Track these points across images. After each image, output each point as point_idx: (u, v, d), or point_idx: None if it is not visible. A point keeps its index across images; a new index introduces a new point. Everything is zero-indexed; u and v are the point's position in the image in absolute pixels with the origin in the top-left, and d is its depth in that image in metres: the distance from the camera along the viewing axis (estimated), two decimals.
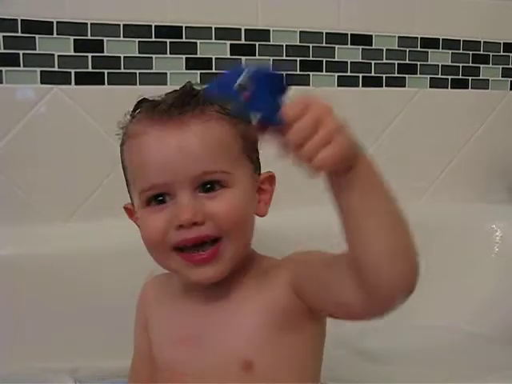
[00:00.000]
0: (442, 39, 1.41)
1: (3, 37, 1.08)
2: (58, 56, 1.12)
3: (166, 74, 1.18)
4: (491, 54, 1.46)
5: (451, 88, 1.43)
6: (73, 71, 1.13)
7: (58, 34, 1.11)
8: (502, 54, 1.47)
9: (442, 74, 1.42)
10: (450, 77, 1.42)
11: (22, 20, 1.09)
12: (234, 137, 0.72)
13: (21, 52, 1.10)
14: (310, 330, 0.74)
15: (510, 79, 1.49)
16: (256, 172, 0.76)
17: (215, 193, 0.70)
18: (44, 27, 1.10)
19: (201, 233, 0.69)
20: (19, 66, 1.10)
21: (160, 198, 0.71)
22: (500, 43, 1.47)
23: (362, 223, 0.59)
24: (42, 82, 1.11)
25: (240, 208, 0.71)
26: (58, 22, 1.11)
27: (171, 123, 0.70)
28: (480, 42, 1.44)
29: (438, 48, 1.41)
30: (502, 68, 1.48)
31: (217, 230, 0.70)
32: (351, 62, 1.33)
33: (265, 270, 0.75)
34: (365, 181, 0.60)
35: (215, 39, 1.21)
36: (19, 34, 1.09)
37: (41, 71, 1.11)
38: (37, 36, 1.10)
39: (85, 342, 1.06)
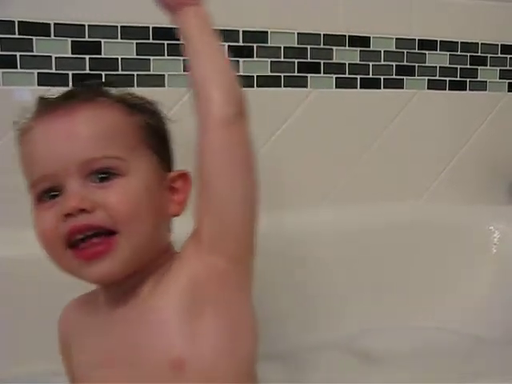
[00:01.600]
0: (440, 41, 1.41)
1: (0, 38, 1.08)
2: (56, 58, 1.12)
3: (163, 75, 1.18)
4: (489, 55, 1.46)
5: (449, 89, 1.43)
6: (70, 73, 1.13)
7: (55, 36, 1.11)
8: (499, 55, 1.47)
9: (439, 76, 1.42)
10: (447, 78, 1.42)
11: (19, 22, 1.09)
12: (130, 125, 0.70)
13: (18, 54, 1.09)
14: (234, 298, 0.70)
15: (507, 81, 1.49)
16: (164, 169, 0.73)
17: (108, 182, 0.66)
18: (41, 29, 1.10)
19: (90, 221, 0.65)
20: (16, 67, 1.09)
21: (51, 193, 0.67)
22: (498, 45, 1.46)
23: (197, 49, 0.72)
24: (39, 84, 1.11)
25: (135, 198, 0.67)
26: (55, 24, 1.11)
27: (59, 111, 0.67)
28: (478, 43, 1.44)
29: (436, 50, 1.41)
30: (500, 70, 1.48)
31: (110, 221, 0.65)
32: (349, 64, 1.32)
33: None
34: (199, 21, 0.76)
35: None
36: (16, 36, 1.09)
37: (38, 73, 1.11)
38: (34, 38, 1.10)
39: None
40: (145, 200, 0.68)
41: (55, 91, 1.07)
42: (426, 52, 1.40)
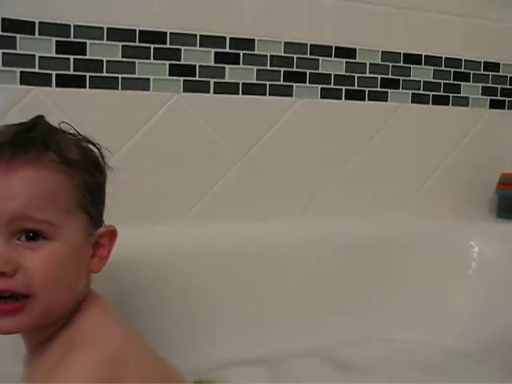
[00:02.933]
0: (425, 55, 1.42)
1: None
2: (39, 57, 1.10)
3: (148, 79, 1.17)
4: (472, 72, 1.47)
5: (432, 104, 1.44)
6: (54, 73, 1.11)
7: (39, 35, 1.09)
8: (482, 72, 1.49)
9: (423, 90, 1.42)
10: (431, 93, 1.43)
11: (2, 18, 1.06)
12: (67, 188, 0.69)
13: (0, 51, 1.07)
14: None
15: (489, 97, 1.50)
16: (93, 225, 0.73)
17: (36, 243, 0.66)
18: (26, 27, 1.08)
19: (8, 286, 0.65)
20: None
21: None
22: (481, 62, 1.48)
23: None
24: (21, 83, 1.09)
25: (58, 264, 0.67)
26: (40, 23, 1.09)
27: (4, 165, 0.66)
28: (461, 59, 1.46)
29: (421, 64, 1.42)
30: (482, 86, 1.49)
31: (27, 286, 0.65)
32: (335, 75, 1.33)
33: (73, 342, 0.69)
34: None
35: (199, 46, 1.20)
36: (0, 33, 1.07)
37: (21, 72, 1.09)
38: (18, 35, 1.08)
39: None
40: (67, 266, 0.68)
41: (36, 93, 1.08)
42: (411, 66, 1.41)
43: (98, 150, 0.76)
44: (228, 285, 1.16)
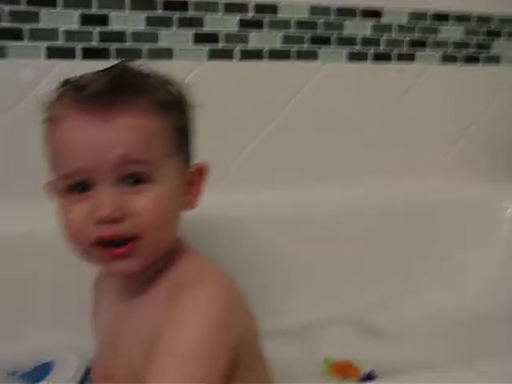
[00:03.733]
0: (452, 14, 1.38)
1: (8, 11, 1.06)
2: (63, 30, 1.10)
3: (172, 48, 1.16)
4: (504, 29, 1.43)
5: (462, 64, 1.40)
6: (78, 46, 1.11)
7: (63, 7, 1.09)
8: None
9: (454, 49, 1.39)
10: (460, 52, 1.40)
11: None
12: (164, 130, 0.70)
13: (25, 26, 1.08)
14: (244, 377, 0.72)
15: None
16: (186, 164, 0.74)
17: (139, 187, 0.67)
18: (48, 0, 1.08)
19: (118, 231, 0.67)
20: (23, 40, 1.08)
21: (81, 187, 0.68)
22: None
23: None
24: (47, 57, 1.10)
25: (164, 205, 0.69)
26: None
27: (99, 112, 0.66)
28: (492, 16, 1.41)
29: (449, 23, 1.38)
30: None
31: (136, 229, 0.67)
32: (361, 37, 1.30)
33: (180, 283, 0.70)
34: None
35: (223, 13, 1.19)
36: (23, 8, 1.07)
37: (46, 46, 1.09)
38: (41, 9, 1.08)
39: None
40: (170, 205, 0.70)
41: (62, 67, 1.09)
42: (440, 25, 1.37)
43: (182, 90, 0.75)
44: (267, 250, 1.17)
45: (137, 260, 0.69)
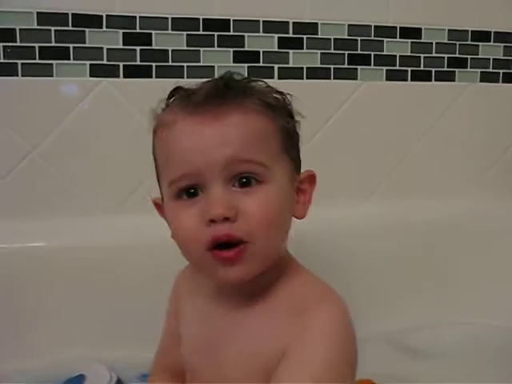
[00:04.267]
0: (494, 32, 1.37)
1: (54, 31, 1.09)
2: (107, 49, 1.13)
3: (213, 66, 1.18)
4: None
5: (502, 82, 1.39)
6: (121, 64, 1.14)
7: (107, 28, 1.12)
8: None
9: (493, 68, 1.38)
10: (501, 71, 1.39)
11: (72, 14, 1.10)
12: (273, 131, 0.69)
13: (71, 45, 1.11)
14: None
15: None
16: (295, 171, 0.72)
17: (251, 188, 0.66)
18: (94, 21, 1.11)
19: (231, 231, 0.64)
20: (69, 59, 1.11)
21: (191, 191, 0.67)
22: None
23: None
24: (91, 75, 1.12)
25: (275, 207, 0.66)
26: (107, 16, 1.12)
27: (208, 113, 0.66)
28: None
29: (490, 41, 1.37)
30: None
31: (246, 232, 0.65)
32: (400, 56, 1.30)
33: (301, 302, 0.68)
34: None
35: (263, 32, 1.20)
36: (70, 28, 1.10)
37: (90, 64, 1.12)
38: (87, 30, 1.11)
39: (121, 333, 1.08)
40: (282, 208, 0.68)
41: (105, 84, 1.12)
42: (479, 44, 1.36)
43: (287, 99, 0.74)
44: None
45: (247, 267, 0.66)
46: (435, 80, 1.34)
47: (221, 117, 0.66)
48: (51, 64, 1.10)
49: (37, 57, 1.10)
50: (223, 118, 0.66)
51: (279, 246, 0.70)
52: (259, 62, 1.20)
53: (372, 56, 1.28)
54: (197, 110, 0.66)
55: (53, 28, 1.10)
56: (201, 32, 1.17)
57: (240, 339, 0.70)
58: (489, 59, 1.37)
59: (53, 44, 1.10)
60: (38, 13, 1.09)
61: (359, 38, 1.27)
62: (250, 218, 0.65)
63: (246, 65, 1.20)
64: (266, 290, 0.70)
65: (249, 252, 0.65)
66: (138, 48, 1.14)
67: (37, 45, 1.09)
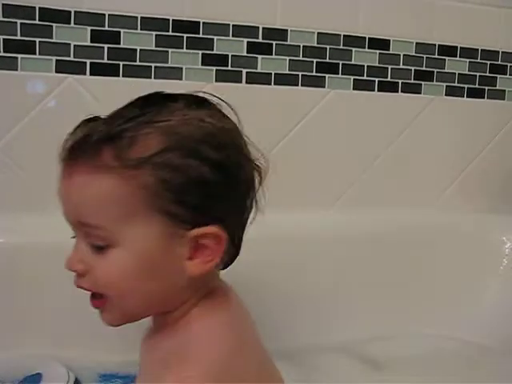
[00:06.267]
0: (460, 47, 1.40)
1: (20, 24, 1.08)
2: (74, 46, 1.11)
3: (181, 68, 1.18)
4: (509, 64, 1.45)
5: (467, 97, 1.42)
6: (88, 61, 1.13)
7: (75, 24, 1.11)
8: None
9: (458, 83, 1.40)
10: (466, 85, 1.41)
11: (40, 8, 1.08)
12: (129, 190, 0.61)
13: (37, 40, 1.09)
14: None
15: None
16: (180, 225, 0.63)
17: (102, 250, 0.64)
18: (62, 16, 1.10)
19: (80, 283, 0.65)
20: (35, 53, 1.09)
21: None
22: None
23: None
24: (56, 71, 1.11)
25: (120, 273, 0.63)
26: (75, 12, 1.10)
27: (65, 167, 0.64)
28: (498, 51, 1.43)
29: (456, 56, 1.40)
30: None
31: (96, 288, 0.65)
32: (368, 66, 1.32)
33: (169, 356, 0.65)
34: None
35: (232, 36, 1.20)
36: (37, 22, 1.09)
37: (56, 60, 1.11)
38: (54, 25, 1.10)
39: (79, 332, 1.06)
40: (133, 273, 0.64)
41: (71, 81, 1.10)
42: (446, 58, 1.39)
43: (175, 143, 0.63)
44: (258, 278, 1.17)
45: (111, 316, 0.67)
46: (402, 91, 1.36)
47: (71, 174, 0.64)
48: (16, 58, 1.08)
49: (1, 49, 1.08)
50: (71, 176, 0.64)
51: (147, 304, 0.67)
52: (227, 66, 1.20)
53: (340, 65, 1.29)
54: (64, 159, 0.65)
55: (19, 21, 1.08)
56: (170, 33, 1.16)
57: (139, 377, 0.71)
58: (454, 73, 1.40)
59: (18, 37, 1.08)
60: (3, 4, 1.07)
61: (328, 47, 1.28)
62: (96, 279, 0.65)
63: (215, 68, 1.20)
64: (166, 330, 0.69)
65: (108, 305, 0.66)
66: (105, 46, 1.13)
67: (1, 37, 1.07)
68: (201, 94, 0.70)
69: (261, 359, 0.73)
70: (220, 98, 0.71)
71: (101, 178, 0.62)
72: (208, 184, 0.63)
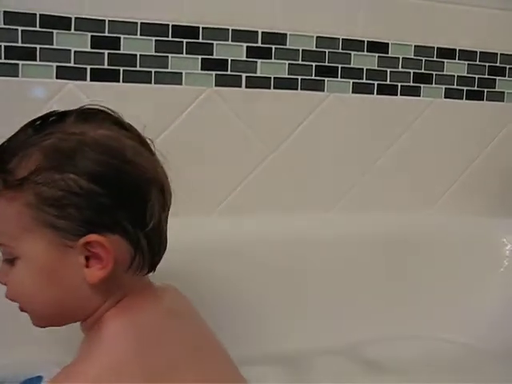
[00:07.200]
0: (459, 50, 1.40)
1: (21, 31, 1.09)
2: (75, 52, 1.12)
3: (181, 73, 1.18)
4: (508, 66, 1.45)
5: (466, 99, 1.42)
6: (88, 67, 1.13)
7: (75, 30, 1.12)
8: None
9: (457, 85, 1.41)
10: (465, 88, 1.42)
11: (40, 15, 1.09)
12: (16, 209, 0.67)
13: (38, 46, 1.10)
14: None
15: None
16: (68, 237, 0.66)
17: (12, 262, 0.70)
18: (62, 23, 1.11)
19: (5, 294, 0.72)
20: (36, 60, 1.10)
21: None
22: None
23: None
24: (57, 77, 1.12)
25: (21, 283, 0.70)
26: (76, 18, 1.11)
27: None
28: (497, 53, 1.44)
29: (455, 58, 1.40)
30: None
31: (9, 296, 0.72)
32: (367, 69, 1.32)
33: (92, 342, 0.69)
34: None
35: (232, 41, 1.21)
36: (37, 29, 1.09)
37: (57, 66, 1.12)
38: (54, 31, 1.10)
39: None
40: (33, 283, 0.69)
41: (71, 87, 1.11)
42: (444, 60, 1.39)
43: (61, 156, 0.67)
44: (254, 280, 1.17)
45: (32, 319, 0.73)
46: (401, 94, 1.36)
47: None
48: (17, 64, 1.09)
49: (2, 56, 1.08)
50: None
51: (56, 311, 0.72)
52: (227, 71, 1.21)
53: (339, 68, 1.30)
54: None
55: (20, 28, 1.09)
56: (169, 38, 1.17)
57: None
58: (453, 76, 1.40)
59: (19, 44, 1.09)
60: (5, 12, 1.08)
61: (327, 50, 1.28)
62: (8, 289, 0.72)
63: (214, 73, 1.20)
64: (86, 336, 0.74)
65: (24, 310, 0.73)
66: (105, 52, 1.14)
67: (3, 44, 1.08)
68: (95, 106, 0.74)
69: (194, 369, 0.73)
70: (110, 109, 0.74)
71: None
72: (88, 196, 0.66)
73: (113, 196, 0.67)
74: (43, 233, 0.67)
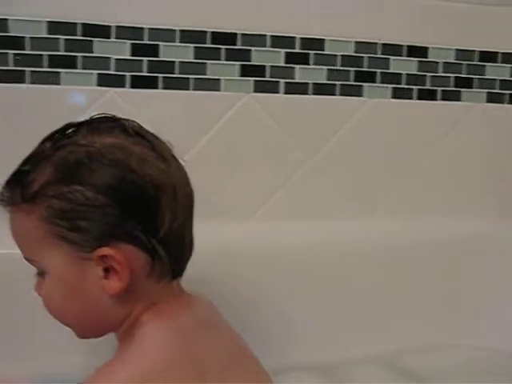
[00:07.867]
0: (501, 53, 1.37)
1: (64, 40, 1.11)
2: (115, 59, 1.14)
3: (219, 80, 1.19)
4: None
5: (508, 103, 1.39)
6: (128, 74, 1.15)
7: (115, 38, 1.13)
8: None
9: (499, 89, 1.38)
10: (507, 92, 1.39)
11: (81, 24, 1.11)
12: (33, 223, 0.67)
13: (79, 55, 1.12)
14: None
15: None
16: (82, 249, 0.67)
17: (43, 275, 0.71)
18: (102, 31, 1.12)
19: None
20: (77, 68, 1.12)
21: None
22: None
23: None
24: (98, 85, 1.13)
25: (49, 297, 0.71)
26: (116, 27, 1.13)
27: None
28: None
29: (496, 62, 1.37)
30: None
31: (45, 308, 0.73)
32: (406, 74, 1.31)
33: (127, 346, 0.69)
34: None
35: (270, 47, 1.21)
36: (78, 37, 1.11)
37: (97, 74, 1.13)
38: (95, 39, 1.12)
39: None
40: (59, 296, 0.71)
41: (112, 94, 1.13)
42: (486, 64, 1.37)
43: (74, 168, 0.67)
44: (289, 287, 1.16)
45: (74, 331, 0.75)
46: (441, 99, 1.34)
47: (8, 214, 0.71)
48: (59, 72, 1.11)
49: (46, 65, 1.11)
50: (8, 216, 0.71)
51: (86, 323, 0.73)
52: (265, 77, 1.21)
53: (378, 73, 1.29)
54: None
55: (62, 37, 1.11)
56: (208, 45, 1.18)
57: None
58: (495, 80, 1.38)
59: (61, 52, 1.11)
60: (48, 22, 1.10)
61: (366, 55, 1.27)
62: (42, 301, 0.73)
63: (252, 79, 1.20)
64: (119, 346, 0.73)
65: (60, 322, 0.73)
66: (145, 59, 1.15)
67: (46, 53, 1.10)
68: (106, 115, 0.75)
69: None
70: (123, 119, 0.74)
71: (14, 216, 0.70)
72: (95, 207, 0.65)
73: (120, 206, 0.66)
74: (60, 246, 0.68)
